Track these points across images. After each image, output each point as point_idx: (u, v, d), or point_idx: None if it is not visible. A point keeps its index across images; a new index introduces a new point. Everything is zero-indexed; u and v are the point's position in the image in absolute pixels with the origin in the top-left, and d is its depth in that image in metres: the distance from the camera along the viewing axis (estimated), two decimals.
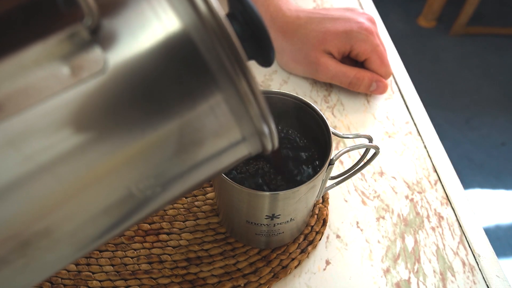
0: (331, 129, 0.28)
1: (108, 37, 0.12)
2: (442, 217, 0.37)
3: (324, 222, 0.36)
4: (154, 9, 0.12)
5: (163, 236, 0.35)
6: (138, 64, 0.13)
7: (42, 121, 0.12)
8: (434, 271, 0.34)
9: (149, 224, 0.36)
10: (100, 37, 0.12)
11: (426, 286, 0.33)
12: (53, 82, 0.12)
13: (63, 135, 0.13)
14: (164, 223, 0.36)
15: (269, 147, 0.17)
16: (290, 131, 0.33)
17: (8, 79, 0.12)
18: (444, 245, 0.36)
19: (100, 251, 0.34)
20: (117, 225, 0.17)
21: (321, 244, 0.35)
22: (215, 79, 0.14)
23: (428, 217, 0.37)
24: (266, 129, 0.16)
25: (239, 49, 0.13)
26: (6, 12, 0.13)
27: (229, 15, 0.17)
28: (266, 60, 0.18)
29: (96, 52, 0.12)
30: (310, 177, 0.26)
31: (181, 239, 0.35)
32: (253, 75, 0.14)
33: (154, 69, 0.13)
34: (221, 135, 0.16)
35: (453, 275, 0.34)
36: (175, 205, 0.37)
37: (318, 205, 0.37)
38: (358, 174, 0.40)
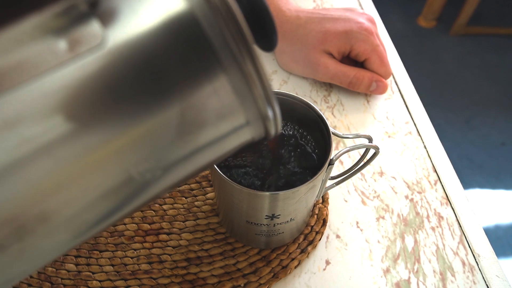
0: (331, 129, 0.28)
1: (108, 12, 0.12)
2: (442, 217, 0.37)
3: (324, 222, 0.36)
4: None
5: (163, 236, 0.35)
6: (139, 41, 0.12)
7: (38, 99, 0.12)
8: (434, 271, 0.34)
9: (149, 224, 0.36)
10: (99, 12, 0.12)
11: (426, 286, 0.33)
12: (49, 57, 0.11)
13: (60, 115, 0.12)
14: (164, 223, 0.36)
15: (272, 131, 0.17)
16: (289, 131, 0.33)
17: (1, 54, 0.11)
18: (444, 245, 0.36)
19: (100, 251, 0.34)
20: (115, 211, 0.16)
21: (321, 244, 0.35)
22: (219, 58, 0.13)
23: (428, 217, 0.37)
24: (270, 112, 0.15)
25: (244, 29, 0.13)
26: None
27: None
28: (269, 43, 0.17)
29: (94, 26, 0.12)
30: (310, 177, 0.26)
31: (181, 239, 0.35)
32: (258, 56, 0.13)
33: (156, 47, 0.12)
34: (224, 117, 0.15)
35: (453, 275, 0.34)
36: (175, 205, 0.37)
37: (318, 205, 0.37)
38: (358, 174, 0.40)
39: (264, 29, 0.17)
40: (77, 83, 0.12)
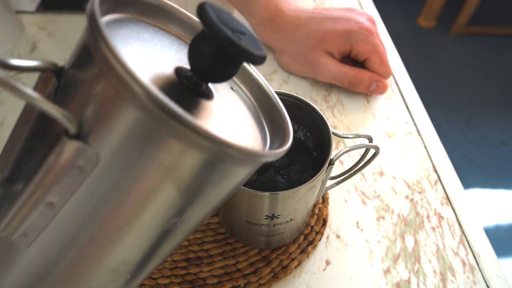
0: (331, 129, 0.28)
1: (90, 134, 0.15)
2: (442, 217, 0.37)
3: (324, 222, 0.36)
4: (115, 108, 0.15)
5: None
6: (116, 147, 0.15)
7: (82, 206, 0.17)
8: (434, 271, 0.34)
9: None
10: (84, 137, 0.15)
11: (426, 286, 0.33)
12: (74, 181, 0.16)
13: (89, 209, 0.17)
14: None
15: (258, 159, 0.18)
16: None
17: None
18: (444, 245, 0.36)
19: None
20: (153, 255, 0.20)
21: (321, 244, 0.35)
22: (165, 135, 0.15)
23: (428, 217, 0.37)
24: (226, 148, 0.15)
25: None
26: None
27: (199, 36, 0.18)
28: (254, 63, 0.18)
29: (88, 151, 0.15)
30: (310, 177, 0.26)
31: None
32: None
33: (127, 146, 0.15)
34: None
35: (453, 275, 0.34)
36: None
37: (318, 205, 0.37)
38: (358, 174, 0.40)
39: (238, 58, 0.18)
40: (96, 185, 0.16)
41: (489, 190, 1.31)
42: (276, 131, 0.22)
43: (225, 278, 0.33)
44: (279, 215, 0.28)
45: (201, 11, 0.17)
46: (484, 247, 0.36)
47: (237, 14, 0.56)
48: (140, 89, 0.13)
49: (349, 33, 0.43)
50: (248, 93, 0.24)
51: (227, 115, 0.20)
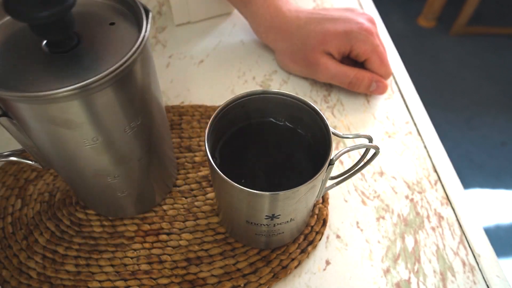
0: (331, 129, 0.28)
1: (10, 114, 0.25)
2: (442, 217, 0.37)
3: (324, 222, 0.36)
4: None
5: (163, 237, 0.35)
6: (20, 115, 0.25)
7: None
8: (434, 271, 0.34)
9: (149, 224, 0.36)
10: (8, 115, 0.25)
11: (426, 286, 0.33)
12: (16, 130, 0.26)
13: None
14: (164, 223, 0.36)
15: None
16: (290, 131, 0.33)
17: None
18: (444, 245, 0.36)
19: (100, 252, 0.34)
20: None
21: (321, 244, 0.35)
22: None
23: (428, 217, 0.37)
24: None
25: None
26: None
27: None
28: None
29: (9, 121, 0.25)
30: (310, 177, 0.26)
31: (181, 239, 0.35)
32: None
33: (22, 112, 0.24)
34: None
35: (453, 275, 0.34)
36: (175, 205, 0.37)
37: (318, 205, 0.37)
38: (358, 174, 0.40)
39: None
40: None
41: (489, 190, 1.31)
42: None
43: (225, 278, 0.33)
44: (279, 215, 0.28)
45: None
46: (484, 247, 0.36)
47: (237, 14, 0.56)
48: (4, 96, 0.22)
49: (349, 34, 0.43)
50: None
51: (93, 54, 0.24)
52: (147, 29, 0.24)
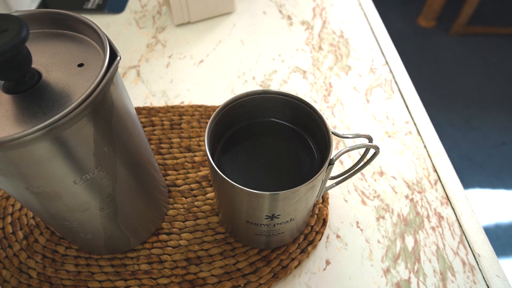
0: (331, 129, 0.28)
1: None
2: (442, 217, 0.37)
3: (324, 222, 0.36)
4: None
5: (163, 236, 0.35)
6: None
7: None
8: (434, 271, 0.34)
9: None
10: None
11: (426, 286, 0.33)
12: None
13: None
14: (164, 223, 0.36)
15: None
16: (289, 131, 0.33)
17: None
18: (444, 245, 0.36)
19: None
20: None
21: (321, 244, 0.35)
22: None
23: (428, 217, 0.37)
24: None
25: None
26: None
27: None
28: None
29: None
30: (310, 177, 0.26)
31: (181, 239, 0.35)
32: None
33: None
34: None
35: (453, 275, 0.34)
36: (175, 205, 0.37)
37: (318, 205, 0.37)
38: (358, 174, 0.40)
39: None
40: None
41: (489, 190, 1.31)
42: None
43: (225, 278, 0.33)
44: (279, 215, 0.28)
45: None
46: (484, 247, 0.36)
47: (237, 14, 0.56)
48: None
49: None
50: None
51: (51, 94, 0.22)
52: (104, 77, 0.20)
